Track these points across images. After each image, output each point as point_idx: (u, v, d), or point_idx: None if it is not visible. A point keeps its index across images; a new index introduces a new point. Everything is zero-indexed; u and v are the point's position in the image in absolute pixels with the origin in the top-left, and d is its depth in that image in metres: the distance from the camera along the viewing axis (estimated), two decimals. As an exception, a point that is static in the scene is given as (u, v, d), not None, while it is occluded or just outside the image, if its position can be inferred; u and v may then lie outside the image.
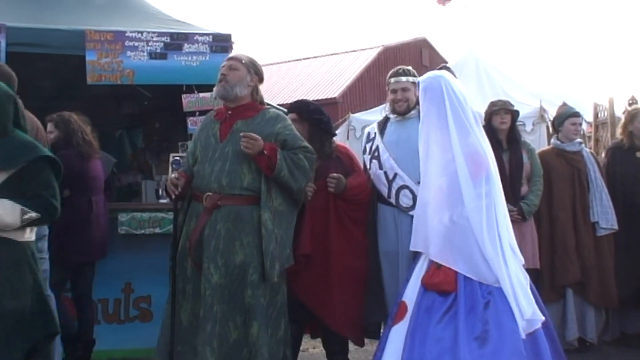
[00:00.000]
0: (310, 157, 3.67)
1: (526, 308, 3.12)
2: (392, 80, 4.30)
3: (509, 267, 3.18)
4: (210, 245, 3.51)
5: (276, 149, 3.55)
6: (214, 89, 3.79)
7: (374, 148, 4.29)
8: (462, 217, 3.20)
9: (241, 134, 3.51)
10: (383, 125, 4.37)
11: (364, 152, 4.40)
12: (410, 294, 3.39)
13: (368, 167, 4.31)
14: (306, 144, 3.70)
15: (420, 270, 3.42)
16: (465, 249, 3.20)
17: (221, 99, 3.75)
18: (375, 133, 4.35)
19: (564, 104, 5.43)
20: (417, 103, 4.22)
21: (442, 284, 3.24)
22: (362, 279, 4.13)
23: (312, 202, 3.93)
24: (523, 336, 3.06)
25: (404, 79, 4.29)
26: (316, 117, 4.16)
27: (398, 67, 4.40)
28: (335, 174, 4.02)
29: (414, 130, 4.15)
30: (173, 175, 3.66)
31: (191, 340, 3.54)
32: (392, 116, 4.33)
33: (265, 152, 3.49)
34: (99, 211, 4.55)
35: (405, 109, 4.25)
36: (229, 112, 3.71)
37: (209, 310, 3.45)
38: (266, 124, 3.64)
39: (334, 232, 4.03)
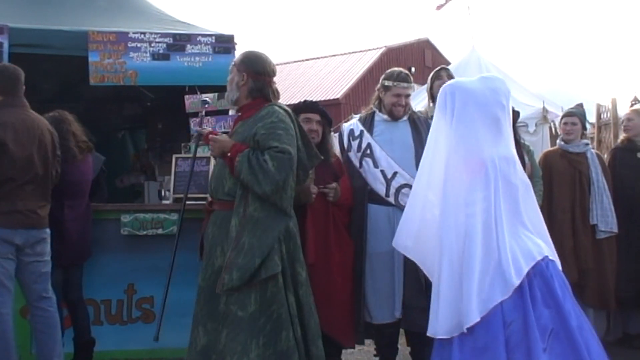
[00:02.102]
0: (279, 157, 3.34)
1: (471, 313, 3.07)
2: (397, 84, 4.22)
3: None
4: (206, 247, 3.57)
5: (242, 150, 3.41)
6: None
7: (364, 146, 4.22)
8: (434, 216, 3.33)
9: (210, 136, 3.56)
10: (370, 123, 4.30)
11: (349, 149, 4.27)
12: None
13: (358, 165, 4.20)
14: (277, 144, 3.37)
15: None
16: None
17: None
18: (361, 130, 4.28)
19: (577, 105, 5.38)
20: (410, 107, 4.27)
21: None
22: (354, 282, 4.12)
23: (313, 206, 3.92)
24: (477, 319, 3.03)
25: (408, 85, 4.27)
26: (329, 119, 4.24)
27: (400, 71, 4.32)
28: (332, 184, 4.03)
29: (406, 130, 4.18)
30: None
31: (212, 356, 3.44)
32: (383, 116, 4.28)
33: (229, 154, 3.46)
34: (75, 215, 4.43)
35: (403, 113, 4.25)
36: (239, 113, 3.75)
37: (195, 313, 3.52)
38: (252, 124, 3.52)
39: (333, 237, 4.04)
